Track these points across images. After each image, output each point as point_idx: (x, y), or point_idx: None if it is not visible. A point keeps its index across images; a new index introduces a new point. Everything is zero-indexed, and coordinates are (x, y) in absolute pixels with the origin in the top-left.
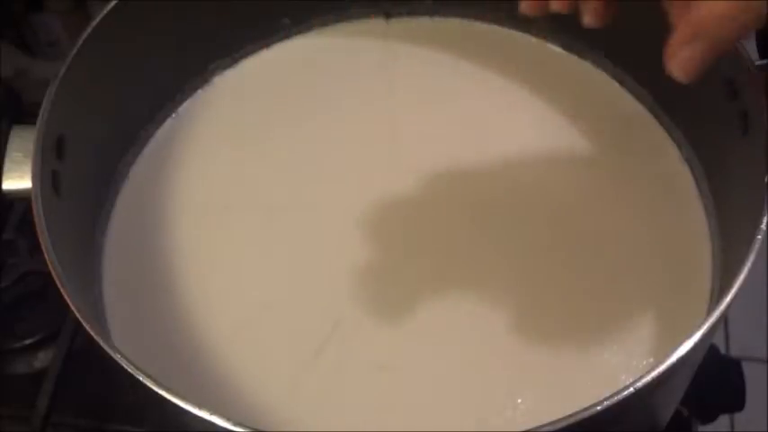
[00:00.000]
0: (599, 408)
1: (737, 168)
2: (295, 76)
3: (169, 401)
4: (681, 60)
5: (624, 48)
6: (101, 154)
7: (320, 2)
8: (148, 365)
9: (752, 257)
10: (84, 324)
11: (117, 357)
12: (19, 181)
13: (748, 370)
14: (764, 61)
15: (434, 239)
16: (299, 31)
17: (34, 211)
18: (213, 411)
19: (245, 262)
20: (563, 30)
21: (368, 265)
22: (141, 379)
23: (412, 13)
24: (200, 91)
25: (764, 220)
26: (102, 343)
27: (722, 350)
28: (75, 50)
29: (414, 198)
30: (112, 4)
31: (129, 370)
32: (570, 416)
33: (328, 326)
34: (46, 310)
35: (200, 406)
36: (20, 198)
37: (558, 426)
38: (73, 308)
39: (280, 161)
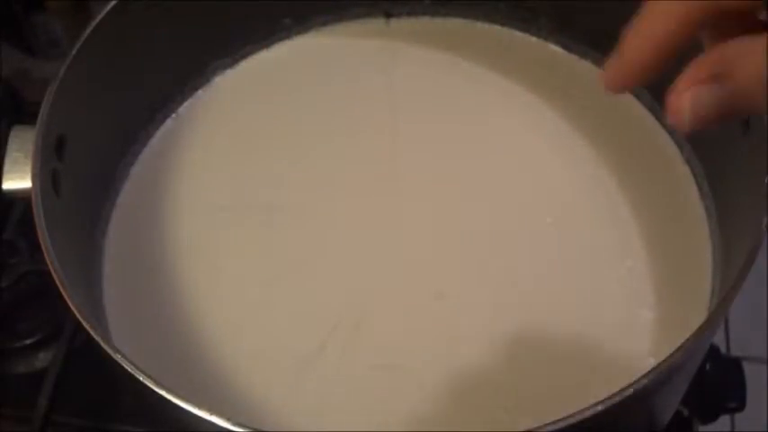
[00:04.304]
0: (599, 408)
1: (738, 168)
2: (295, 76)
3: (169, 401)
4: (684, 102)
5: None
6: (101, 154)
7: (320, 2)
8: (148, 365)
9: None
10: (84, 324)
11: (117, 357)
12: (19, 181)
13: (748, 370)
14: None
15: (434, 239)
16: (298, 31)
17: (34, 211)
18: (213, 411)
19: (245, 262)
20: (563, 30)
21: (368, 264)
22: (141, 379)
23: (412, 13)
24: (200, 91)
25: (764, 221)
26: (102, 343)
27: (722, 350)
28: (75, 50)
29: (414, 198)
30: (112, 4)
31: (129, 370)
32: (570, 416)
33: (328, 326)
34: (46, 310)
35: (199, 406)
36: (20, 198)
37: (558, 426)
38: (73, 308)
39: (279, 161)
